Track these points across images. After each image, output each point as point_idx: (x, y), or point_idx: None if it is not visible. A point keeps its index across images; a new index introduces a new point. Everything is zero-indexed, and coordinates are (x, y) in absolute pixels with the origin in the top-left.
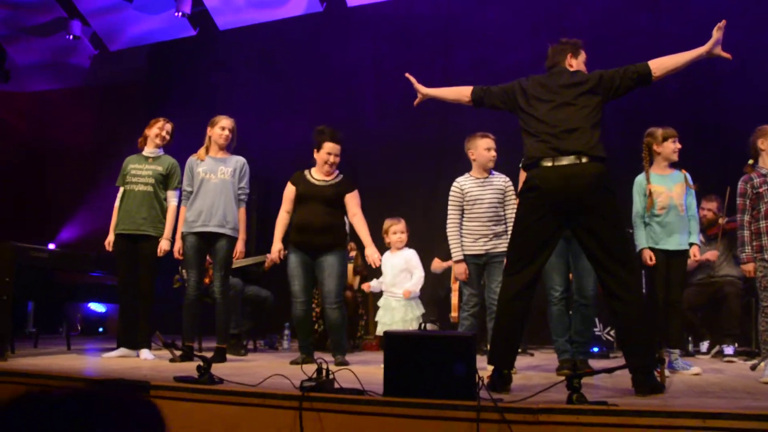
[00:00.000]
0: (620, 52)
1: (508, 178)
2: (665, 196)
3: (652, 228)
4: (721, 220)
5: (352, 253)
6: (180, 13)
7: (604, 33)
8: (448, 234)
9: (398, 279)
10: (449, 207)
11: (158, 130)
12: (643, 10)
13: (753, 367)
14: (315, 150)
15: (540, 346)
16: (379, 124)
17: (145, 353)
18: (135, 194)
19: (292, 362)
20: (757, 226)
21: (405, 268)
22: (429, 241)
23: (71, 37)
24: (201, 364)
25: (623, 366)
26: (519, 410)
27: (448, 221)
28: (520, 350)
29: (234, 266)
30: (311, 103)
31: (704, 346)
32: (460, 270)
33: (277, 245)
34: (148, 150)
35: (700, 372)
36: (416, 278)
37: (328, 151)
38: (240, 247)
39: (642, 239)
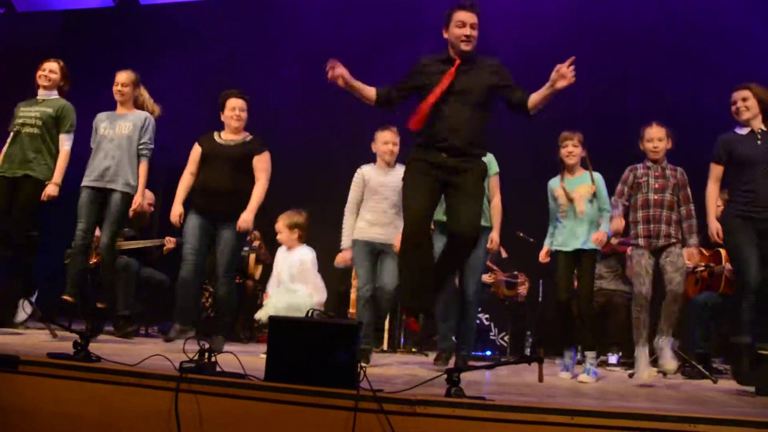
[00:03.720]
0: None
1: None
2: (565, 199)
3: (560, 230)
4: (613, 240)
5: (256, 243)
6: None
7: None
8: (344, 220)
9: (296, 278)
10: (350, 193)
11: (41, 71)
12: None
13: (631, 375)
14: (221, 114)
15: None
16: (299, 114)
17: (22, 308)
18: (21, 136)
19: (166, 338)
20: (634, 215)
21: (300, 269)
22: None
23: None
24: (78, 340)
25: (504, 362)
26: (397, 401)
27: (346, 207)
28: (414, 350)
29: (131, 247)
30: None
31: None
32: (341, 257)
33: (177, 209)
34: (40, 93)
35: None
36: (321, 287)
37: (231, 107)
38: (138, 198)
39: (547, 239)
